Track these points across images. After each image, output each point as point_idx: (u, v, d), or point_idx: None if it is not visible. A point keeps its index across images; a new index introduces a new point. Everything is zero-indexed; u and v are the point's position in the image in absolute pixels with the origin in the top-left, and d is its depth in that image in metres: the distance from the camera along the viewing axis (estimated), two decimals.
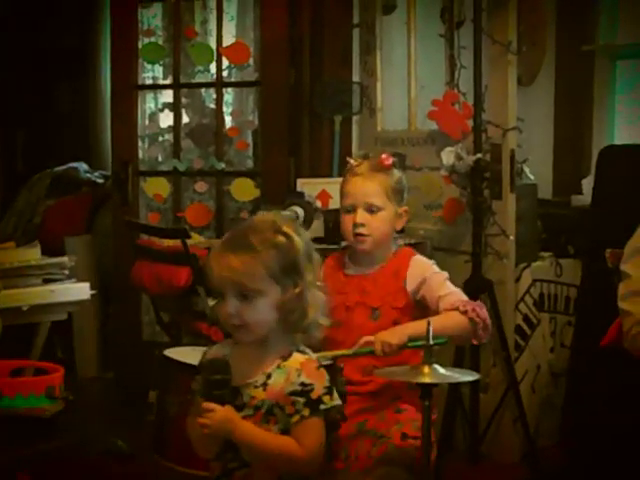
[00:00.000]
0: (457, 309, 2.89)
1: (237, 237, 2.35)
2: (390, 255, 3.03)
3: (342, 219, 3.02)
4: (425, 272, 2.98)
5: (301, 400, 2.30)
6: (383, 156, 3.02)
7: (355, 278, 3.03)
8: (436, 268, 3.02)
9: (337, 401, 2.34)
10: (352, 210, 2.98)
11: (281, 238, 2.32)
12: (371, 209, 2.97)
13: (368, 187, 2.98)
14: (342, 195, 3.05)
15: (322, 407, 2.30)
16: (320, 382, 2.32)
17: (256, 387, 2.34)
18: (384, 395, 2.93)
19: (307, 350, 2.40)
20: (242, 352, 2.39)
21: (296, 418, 2.29)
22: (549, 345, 4.69)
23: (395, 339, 2.79)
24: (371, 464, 2.76)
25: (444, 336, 2.81)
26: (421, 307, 2.98)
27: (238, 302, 2.30)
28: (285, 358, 2.35)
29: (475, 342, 2.98)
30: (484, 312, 2.91)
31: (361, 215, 2.97)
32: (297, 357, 2.35)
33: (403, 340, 2.80)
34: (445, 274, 3.01)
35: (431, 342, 2.60)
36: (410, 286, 2.97)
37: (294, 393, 2.30)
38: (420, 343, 2.71)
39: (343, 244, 3.25)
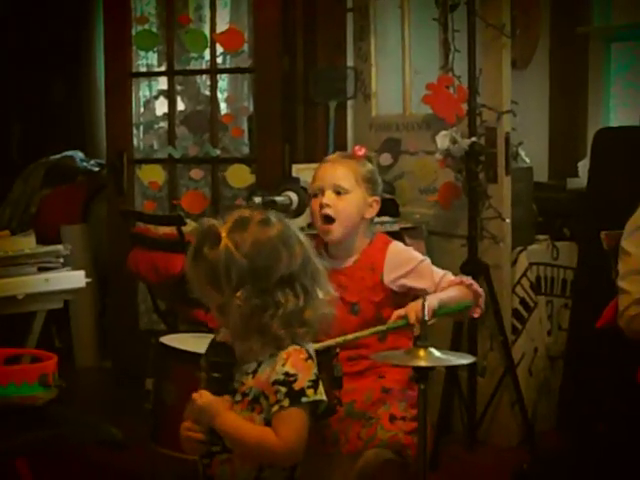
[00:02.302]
0: (461, 283, 2.95)
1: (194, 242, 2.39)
2: (364, 246, 3.02)
3: (311, 204, 3.01)
4: (406, 264, 2.98)
5: (283, 390, 2.27)
6: (356, 147, 3.07)
7: (331, 272, 2.80)
8: (416, 254, 3.02)
9: (322, 396, 2.29)
10: (320, 193, 2.98)
11: (210, 250, 2.30)
12: (338, 191, 2.96)
13: (336, 170, 2.99)
14: (312, 181, 3.04)
15: (304, 400, 2.26)
16: (305, 374, 2.29)
17: (247, 374, 2.34)
18: (369, 375, 2.92)
19: (307, 345, 2.36)
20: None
21: (275, 408, 2.27)
22: (546, 328, 4.69)
23: (429, 304, 2.73)
24: (361, 446, 2.77)
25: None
26: (400, 297, 2.97)
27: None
28: (280, 348, 2.33)
29: (476, 315, 3.02)
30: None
31: (328, 196, 2.96)
32: (289, 348, 2.32)
33: (434, 305, 2.77)
34: (427, 259, 3.02)
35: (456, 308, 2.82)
36: (388, 278, 2.97)
37: (277, 382, 2.28)
38: (449, 309, 2.84)
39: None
